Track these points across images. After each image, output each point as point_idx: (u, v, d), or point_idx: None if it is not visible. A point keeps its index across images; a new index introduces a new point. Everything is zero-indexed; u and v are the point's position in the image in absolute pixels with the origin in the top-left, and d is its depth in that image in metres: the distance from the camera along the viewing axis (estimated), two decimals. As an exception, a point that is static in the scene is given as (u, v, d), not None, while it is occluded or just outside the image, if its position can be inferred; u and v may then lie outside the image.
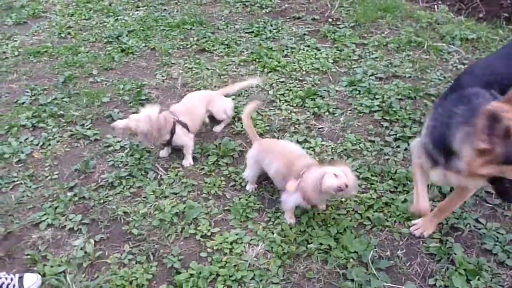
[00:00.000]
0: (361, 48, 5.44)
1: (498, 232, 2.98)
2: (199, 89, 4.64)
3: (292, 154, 3.14)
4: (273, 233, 3.02)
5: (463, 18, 6.11)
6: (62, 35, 6.12)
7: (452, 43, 5.43)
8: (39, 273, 2.75)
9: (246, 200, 3.30)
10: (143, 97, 4.56)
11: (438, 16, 6.13)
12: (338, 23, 6.07)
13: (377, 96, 4.42)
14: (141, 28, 6.21)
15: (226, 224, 3.15)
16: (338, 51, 5.37)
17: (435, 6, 6.59)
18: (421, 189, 2.73)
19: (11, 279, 2.63)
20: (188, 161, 3.70)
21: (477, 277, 2.66)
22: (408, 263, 2.83)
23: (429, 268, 2.79)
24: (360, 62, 5.14)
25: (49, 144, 3.96)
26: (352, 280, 2.68)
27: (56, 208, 3.28)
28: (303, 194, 2.93)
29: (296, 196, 2.97)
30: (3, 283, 2.61)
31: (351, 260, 2.82)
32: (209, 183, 3.47)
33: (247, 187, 3.41)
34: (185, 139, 3.66)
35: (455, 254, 2.80)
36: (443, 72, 4.84)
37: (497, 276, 2.70)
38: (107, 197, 3.38)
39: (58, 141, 4.00)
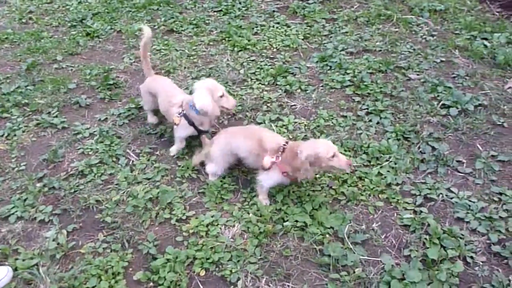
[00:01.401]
0: (331, 23, 5.40)
1: (470, 200, 3.03)
2: (168, 71, 4.55)
3: (259, 132, 3.10)
4: (248, 213, 3.01)
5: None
6: (23, 20, 5.91)
7: (421, 15, 5.44)
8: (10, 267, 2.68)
9: (221, 181, 3.27)
10: (111, 82, 4.44)
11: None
12: (307, -2, 6.00)
13: (348, 71, 4.40)
14: (106, 10, 6.03)
15: (201, 207, 3.12)
16: (308, 27, 5.32)
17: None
18: None
19: (-20, 275, 2.56)
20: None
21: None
22: (384, 236, 2.86)
23: (403, 239, 2.83)
24: (331, 37, 5.10)
25: (15, 135, 3.83)
26: (329, 256, 2.69)
27: (25, 200, 3.19)
28: (284, 168, 2.92)
29: (276, 173, 2.96)
30: (-28, 279, 2.53)
31: (327, 235, 2.84)
32: (182, 167, 3.42)
33: (210, 178, 3.33)
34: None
35: (428, 224, 2.84)
36: (413, 45, 4.85)
37: (470, 243, 2.75)
38: (78, 186, 3.30)
39: (24, 131, 3.87)
